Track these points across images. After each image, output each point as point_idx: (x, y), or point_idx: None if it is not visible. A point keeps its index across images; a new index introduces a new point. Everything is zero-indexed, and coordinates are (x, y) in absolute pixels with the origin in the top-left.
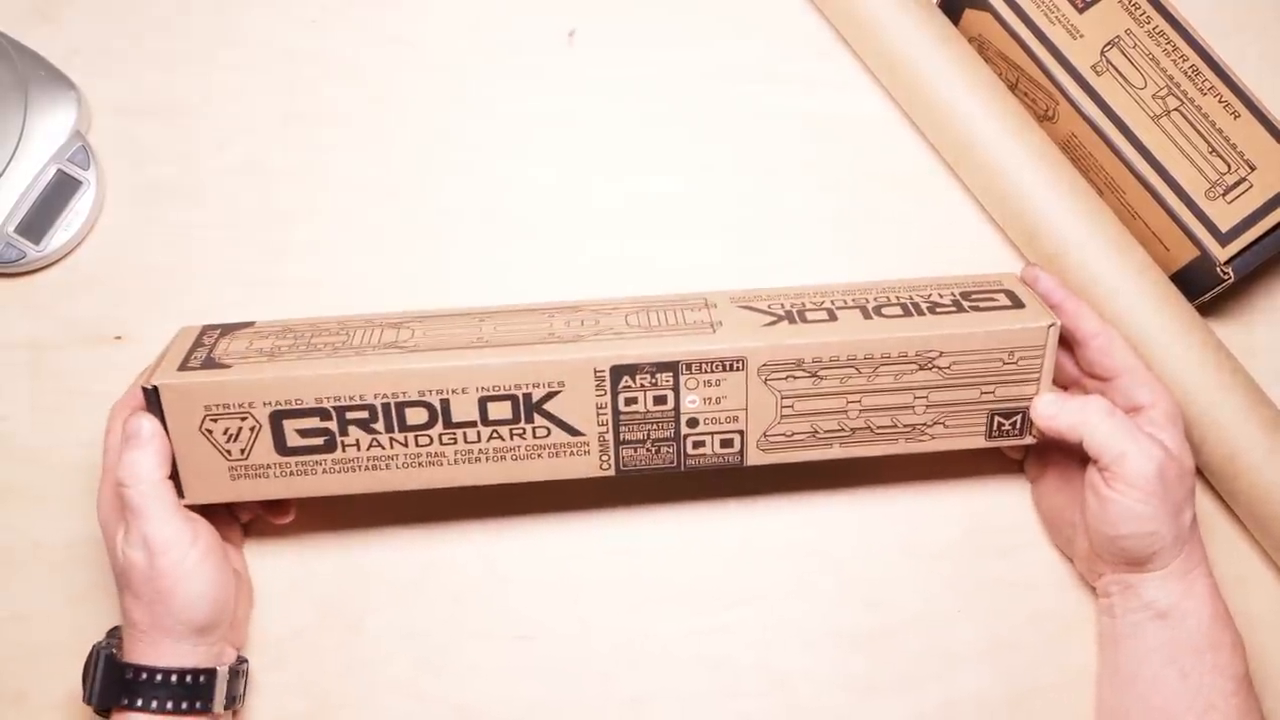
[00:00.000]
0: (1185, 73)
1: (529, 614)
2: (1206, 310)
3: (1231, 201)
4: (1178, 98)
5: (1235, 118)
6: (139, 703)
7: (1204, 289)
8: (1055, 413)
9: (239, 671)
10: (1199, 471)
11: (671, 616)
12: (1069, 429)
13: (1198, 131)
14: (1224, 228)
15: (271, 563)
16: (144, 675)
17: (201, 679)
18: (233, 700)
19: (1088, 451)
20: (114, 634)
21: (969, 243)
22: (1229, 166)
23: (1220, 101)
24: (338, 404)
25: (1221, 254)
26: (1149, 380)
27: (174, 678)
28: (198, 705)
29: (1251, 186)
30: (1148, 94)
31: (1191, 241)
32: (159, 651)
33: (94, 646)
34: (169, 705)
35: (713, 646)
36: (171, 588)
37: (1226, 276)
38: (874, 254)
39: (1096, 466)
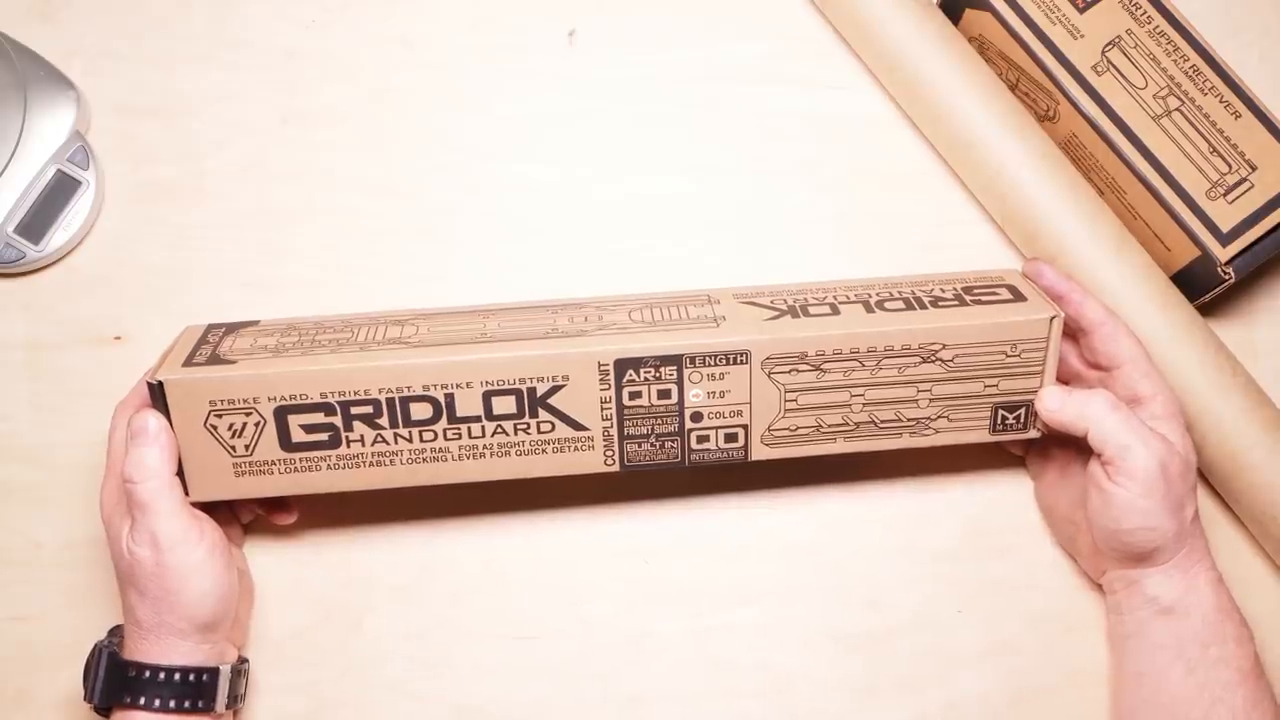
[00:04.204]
0: (1186, 73)
1: (529, 613)
2: (1207, 310)
3: (1232, 202)
4: (1178, 98)
5: (1236, 118)
6: (141, 701)
7: (1205, 289)
8: (1060, 405)
9: (240, 671)
10: (1200, 472)
11: (671, 616)
12: (1073, 422)
13: (1199, 131)
14: (1225, 228)
15: (271, 563)
16: (147, 673)
17: (204, 678)
18: (234, 700)
19: (1092, 445)
20: (115, 632)
21: (969, 243)
22: (1230, 167)
23: (1221, 102)
24: (342, 399)
25: (1222, 254)
26: (1151, 372)
27: (177, 676)
28: (200, 704)
29: (1252, 187)
30: (1148, 94)
31: (1192, 242)
32: (162, 649)
33: (96, 645)
34: (171, 704)
35: (713, 646)
36: (178, 585)
37: (1227, 277)
38: (874, 254)
39: (1100, 460)
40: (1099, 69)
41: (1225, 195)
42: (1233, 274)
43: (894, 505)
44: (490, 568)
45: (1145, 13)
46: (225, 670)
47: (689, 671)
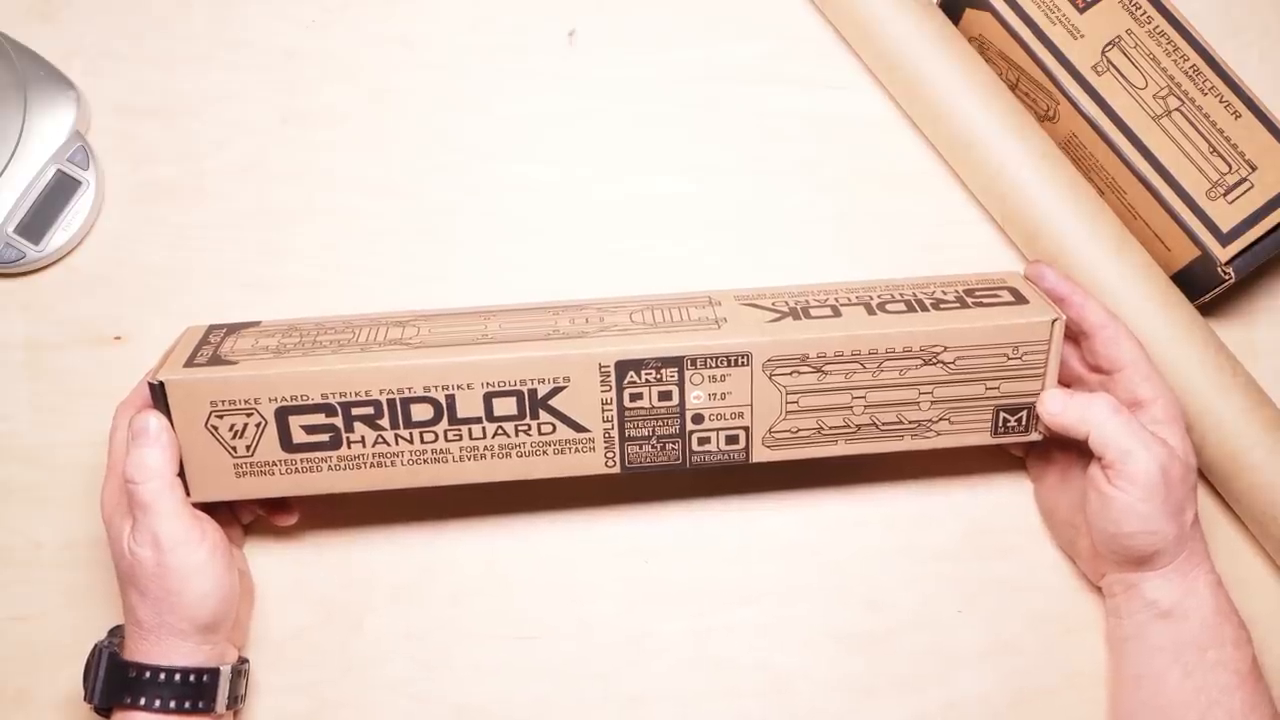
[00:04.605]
0: (1186, 73)
1: (529, 614)
2: (1207, 310)
3: (1232, 201)
4: (1178, 98)
5: (1236, 118)
6: (142, 701)
7: (1205, 289)
8: (1061, 409)
9: (241, 671)
10: (1200, 472)
11: (672, 616)
12: (1075, 425)
13: (1199, 131)
14: (1225, 228)
15: (271, 563)
16: (147, 674)
17: (205, 678)
18: (235, 700)
19: (1093, 448)
20: (115, 633)
21: (969, 243)
22: (1230, 167)
23: (1221, 101)
24: (343, 400)
25: (1222, 254)
26: (1152, 375)
27: (177, 676)
28: (200, 705)
29: (1252, 187)
30: (1148, 94)
31: (1192, 241)
32: (163, 650)
33: (96, 645)
34: (172, 704)
35: (713, 646)
36: (179, 586)
37: (1227, 277)
38: (874, 254)
39: (1100, 464)
40: (1099, 69)
41: (1225, 195)
42: (1233, 274)
43: (895, 506)
44: (491, 568)
45: (1145, 13)
46: (226, 671)
47: (689, 671)
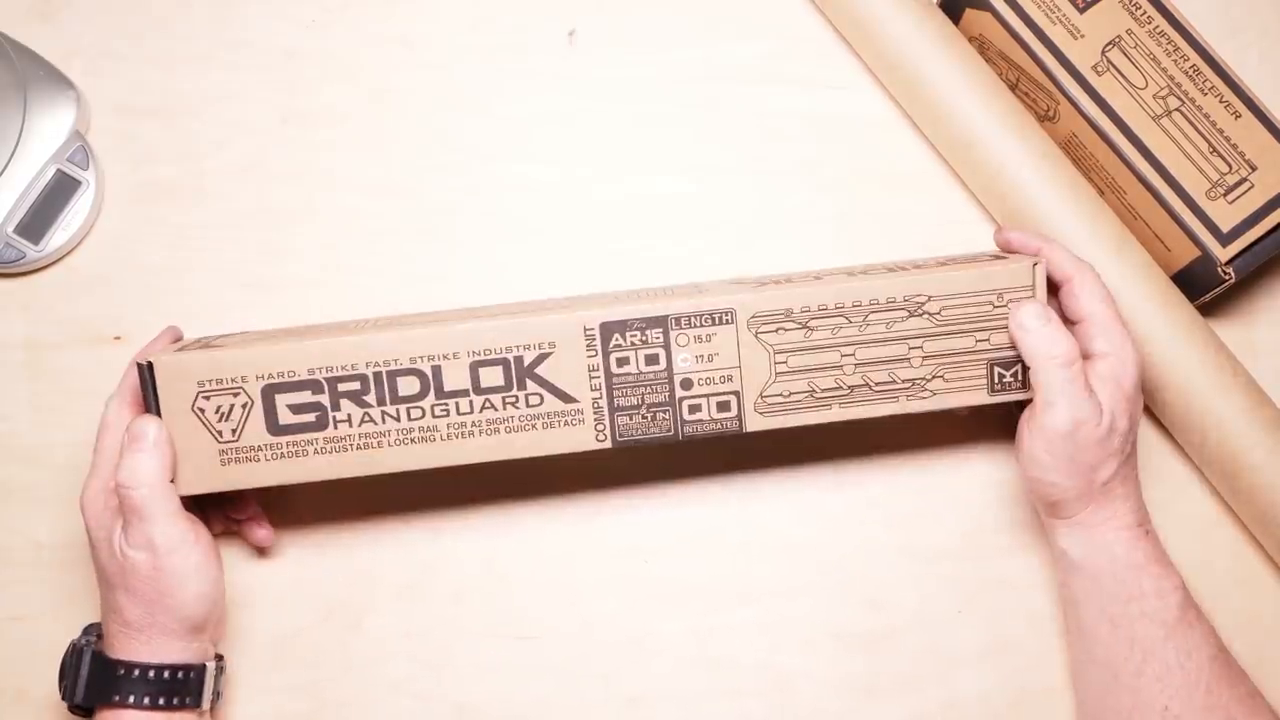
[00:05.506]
0: (1186, 73)
1: (529, 613)
2: (1207, 310)
3: (1233, 202)
4: (1179, 98)
5: (1236, 118)
6: (131, 699)
7: (1205, 289)
8: (1032, 327)
9: (221, 669)
10: (1200, 471)
11: (671, 616)
12: (1026, 353)
13: (1199, 132)
14: (1225, 228)
15: (272, 562)
16: (136, 672)
17: (192, 674)
18: (216, 697)
19: (1031, 383)
20: (91, 631)
21: (969, 243)
22: (1230, 167)
23: (1221, 101)
24: (330, 375)
25: (1222, 254)
26: (1109, 330)
27: (166, 674)
28: (187, 700)
29: (1253, 187)
30: (1149, 94)
31: (1192, 242)
32: (153, 649)
33: (72, 643)
34: (161, 701)
35: (713, 646)
36: (175, 588)
37: (1228, 277)
38: (874, 254)
39: (1032, 405)
40: (1099, 69)
41: (1225, 195)
42: (1233, 274)
43: (895, 505)
44: (491, 567)
45: (1145, 13)
46: (211, 667)
47: (690, 671)
